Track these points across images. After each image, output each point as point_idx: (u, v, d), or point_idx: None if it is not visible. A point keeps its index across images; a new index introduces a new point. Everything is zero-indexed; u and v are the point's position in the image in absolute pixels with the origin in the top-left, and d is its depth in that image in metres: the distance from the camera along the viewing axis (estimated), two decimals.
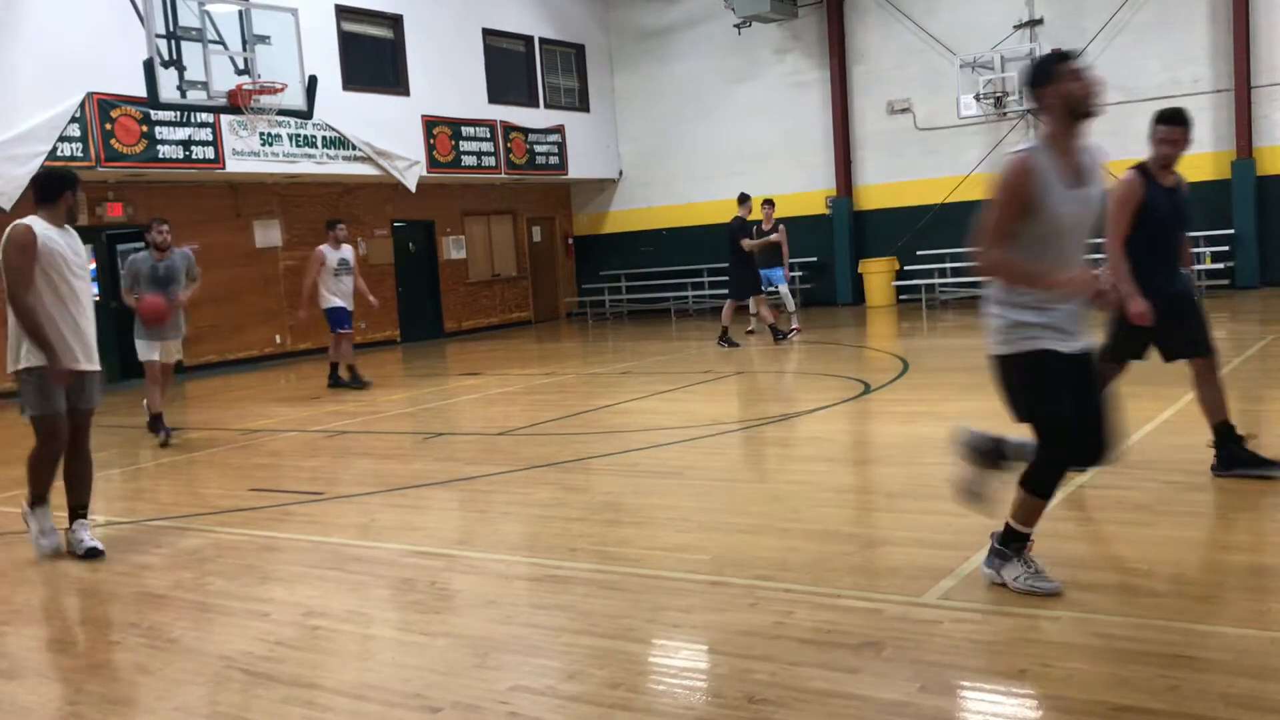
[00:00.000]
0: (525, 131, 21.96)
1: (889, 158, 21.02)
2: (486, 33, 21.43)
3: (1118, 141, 18.47)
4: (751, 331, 16.60)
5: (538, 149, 22.32)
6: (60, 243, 5.83)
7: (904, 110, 20.70)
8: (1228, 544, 5.00)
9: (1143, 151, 5.89)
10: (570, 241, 25.28)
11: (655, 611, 4.43)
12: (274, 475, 8.26)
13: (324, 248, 13.16)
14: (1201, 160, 17.90)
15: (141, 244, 10.47)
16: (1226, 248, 17.85)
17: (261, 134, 16.58)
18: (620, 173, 24.41)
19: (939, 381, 10.84)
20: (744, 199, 15.24)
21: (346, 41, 18.61)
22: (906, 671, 3.60)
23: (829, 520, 5.79)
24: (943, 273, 20.09)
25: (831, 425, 8.80)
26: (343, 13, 18.53)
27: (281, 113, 14.73)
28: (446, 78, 20.39)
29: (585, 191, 24.94)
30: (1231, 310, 15.28)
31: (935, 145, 20.40)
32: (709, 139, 22.73)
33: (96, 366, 6.06)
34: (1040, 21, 19.18)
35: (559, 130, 22.76)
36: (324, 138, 17.72)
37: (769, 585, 4.61)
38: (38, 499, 6.02)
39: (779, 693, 3.51)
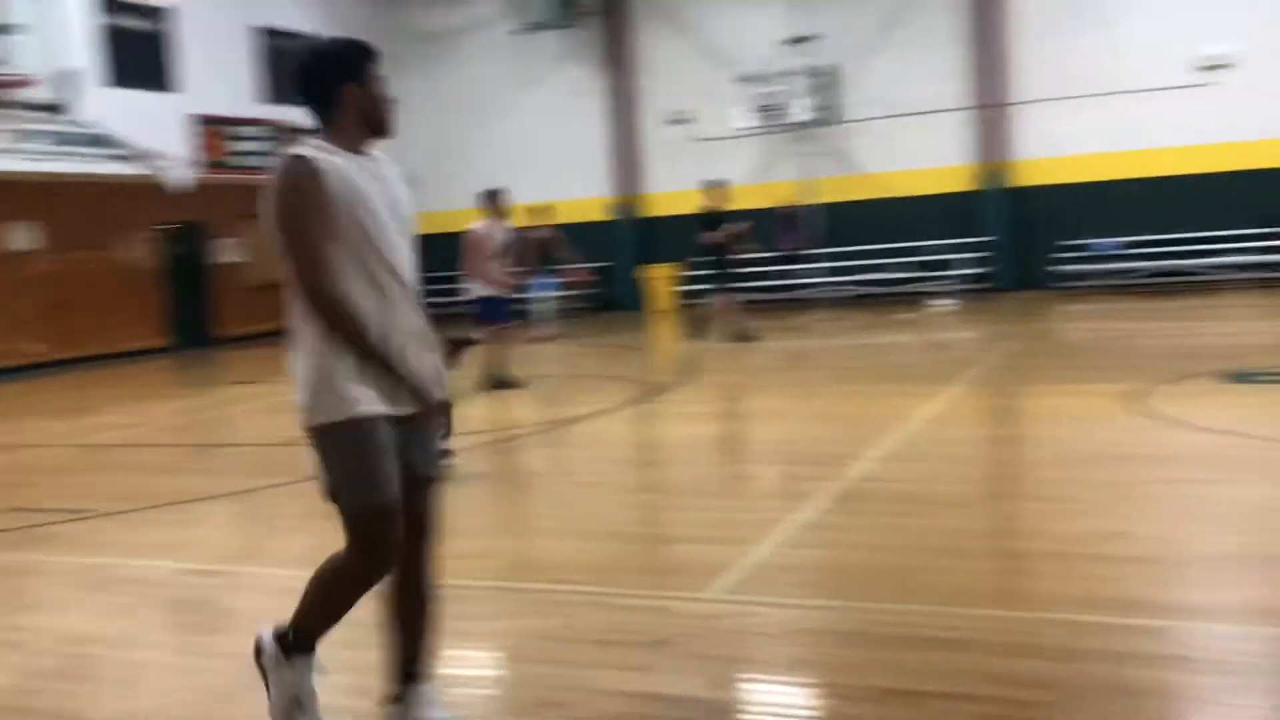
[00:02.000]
0: (299, 132, 21.32)
1: (672, 166, 21.48)
2: (261, 30, 20.69)
3: (886, 155, 19.64)
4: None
5: None
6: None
7: (683, 121, 21.19)
8: (989, 531, 5.35)
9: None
10: None
11: (446, 621, 4.39)
12: (32, 493, 7.73)
13: (484, 223, 11.22)
14: (959, 173, 19.10)
15: None
16: (983, 254, 19.07)
17: (15, 130, 15.46)
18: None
19: (717, 383, 11.16)
20: (712, 185, 14.13)
21: (111, 35, 17.58)
22: (695, 666, 3.70)
23: (617, 521, 5.87)
24: None
25: (615, 427, 8.92)
26: (107, 5, 17.51)
27: (33, 107, 13.78)
28: (218, 75, 19.56)
29: None
30: (988, 312, 16.35)
31: (714, 156, 20.99)
32: (492, 144, 22.65)
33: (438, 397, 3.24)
34: (810, 38, 20.00)
35: None
36: (85, 135, 16.68)
37: (561, 588, 4.64)
38: (305, 641, 3.34)
39: (571, 695, 3.54)
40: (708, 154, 20.60)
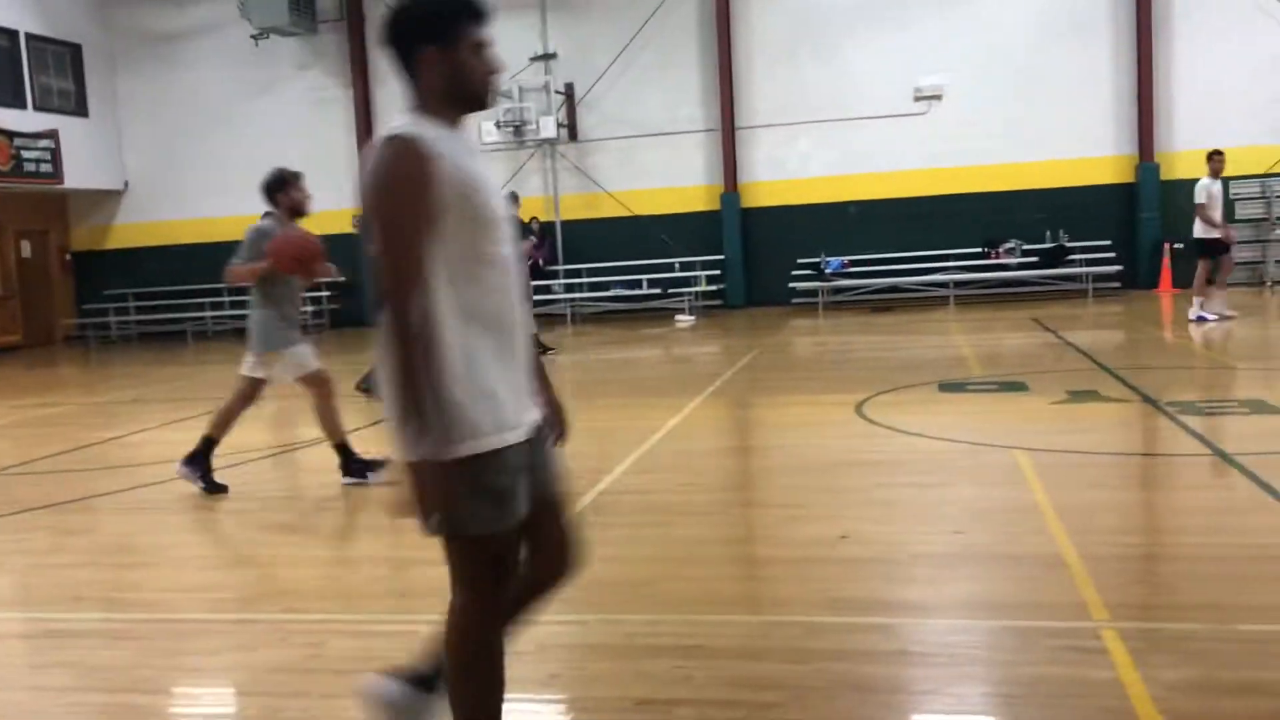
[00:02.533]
0: (11, 135, 19.68)
1: None
2: None
3: (624, 173, 20.07)
4: None
5: (26, 154, 20.07)
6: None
7: None
8: (730, 538, 5.53)
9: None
10: (69, 257, 22.97)
11: (173, 657, 4.13)
12: None
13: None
14: (695, 193, 19.75)
15: None
16: (718, 272, 19.77)
17: None
18: (126, 184, 22.56)
19: None
20: (514, 197, 14.02)
21: None
22: (442, 690, 3.62)
23: (362, 545, 5.70)
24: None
25: (363, 448, 8.66)
26: None
27: None
28: None
29: (85, 203, 22.77)
30: (724, 328, 16.96)
31: None
32: (226, 152, 21.62)
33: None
34: (554, 55, 20.21)
35: (52, 135, 20.61)
36: None
37: (301, 618, 4.46)
38: None
39: None
40: None
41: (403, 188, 2.49)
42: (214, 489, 6.79)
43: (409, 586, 4.93)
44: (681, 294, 19.28)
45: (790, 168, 19.47)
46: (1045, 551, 4.76)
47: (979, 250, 18.80)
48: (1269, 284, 17.65)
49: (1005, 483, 6.09)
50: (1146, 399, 8.41)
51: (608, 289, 20.02)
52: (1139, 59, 18.13)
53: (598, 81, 19.93)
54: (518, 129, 19.79)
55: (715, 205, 19.81)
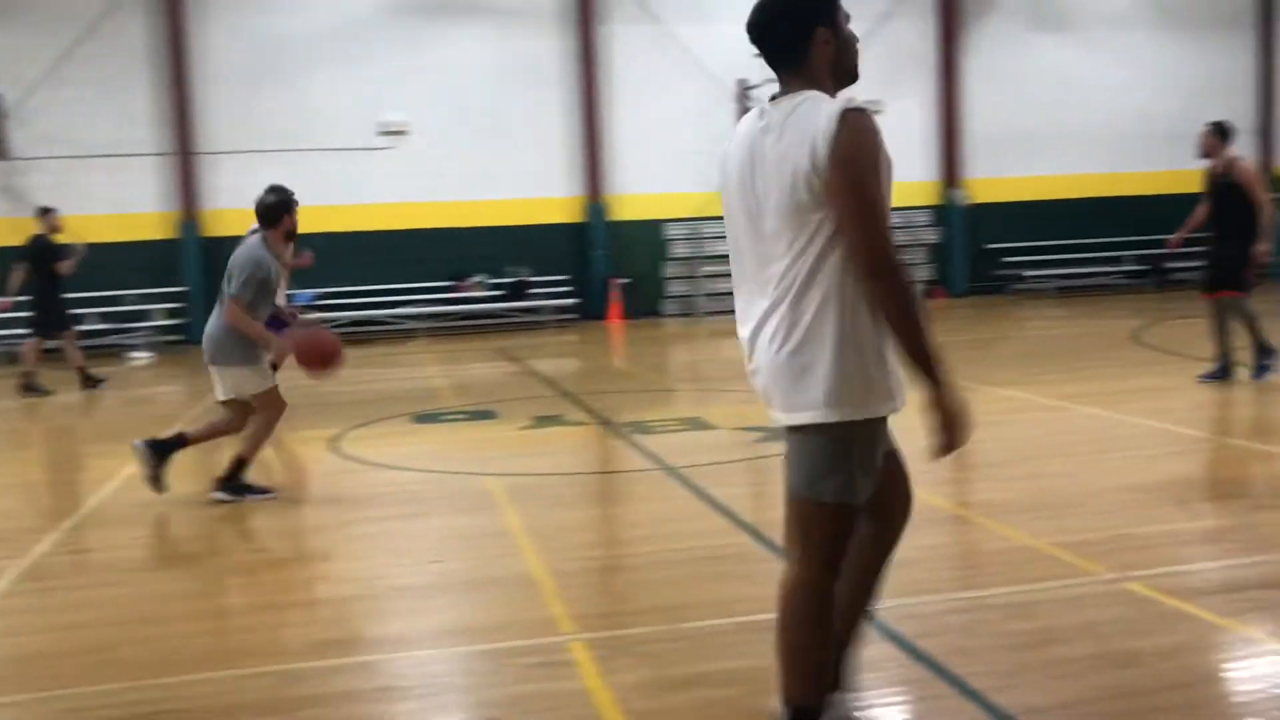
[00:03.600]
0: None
1: None
2: None
3: (64, 196, 18.18)
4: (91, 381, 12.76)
5: None
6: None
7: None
8: (193, 592, 5.17)
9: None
10: None
11: None
12: None
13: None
14: (148, 220, 18.39)
15: None
16: (181, 304, 18.53)
17: None
18: None
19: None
20: (46, 211, 12.44)
21: None
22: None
23: None
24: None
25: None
26: None
27: None
28: None
29: None
30: (186, 365, 15.93)
31: None
32: None
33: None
34: None
35: None
36: None
37: None
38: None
39: None
40: None
41: (873, 154, 2.62)
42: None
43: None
44: (136, 329, 17.82)
45: (254, 197, 18.73)
46: (518, 572, 4.96)
47: (447, 284, 19.30)
48: (700, 314, 19.80)
49: (479, 509, 6.28)
50: (604, 421, 9.09)
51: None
52: (587, 107, 19.66)
53: (30, 95, 17.94)
54: None
55: (173, 234, 18.57)
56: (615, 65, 19.77)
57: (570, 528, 5.91)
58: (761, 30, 2.82)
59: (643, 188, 20.07)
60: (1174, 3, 21.71)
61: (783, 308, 2.72)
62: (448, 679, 3.89)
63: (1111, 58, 21.37)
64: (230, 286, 6.47)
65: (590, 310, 19.67)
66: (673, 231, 20.19)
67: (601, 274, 19.87)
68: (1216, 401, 8.87)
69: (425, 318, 18.92)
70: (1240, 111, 22.03)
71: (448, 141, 19.01)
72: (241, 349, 6.50)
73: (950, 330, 15.41)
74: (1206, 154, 9.06)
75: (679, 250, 20.25)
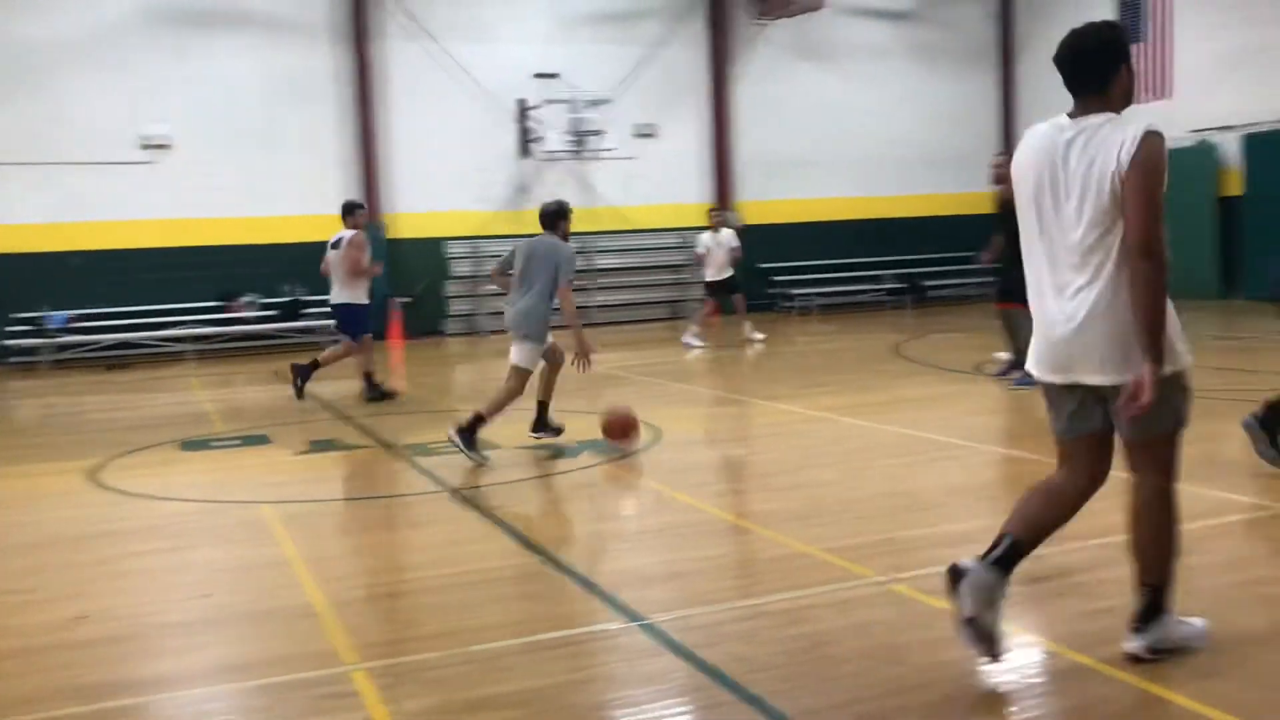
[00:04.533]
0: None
1: None
2: None
3: None
4: None
5: None
6: None
7: None
8: None
9: None
10: None
11: None
12: None
13: None
14: None
15: None
16: None
17: None
18: None
19: None
20: None
21: None
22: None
23: None
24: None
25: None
26: None
27: None
28: None
29: None
30: None
31: None
32: None
33: None
34: None
35: None
36: None
37: None
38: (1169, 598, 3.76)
39: None
40: None
41: (1162, 166, 3.40)
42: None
43: None
44: None
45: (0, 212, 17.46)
46: (296, 603, 4.80)
47: (216, 304, 18.49)
48: (483, 333, 19.69)
49: (253, 539, 6.05)
50: (384, 444, 8.92)
51: None
52: (362, 123, 19.26)
53: None
54: None
55: None
56: (392, 82, 19.48)
57: (350, 555, 5.77)
58: (1076, 58, 3.59)
59: (423, 206, 19.83)
60: (926, 38, 23.15)
61: (1099, 283, 3.51)
62: (223, 717, 3.73)
63: (871, 88, 22.58)
64: (561, 275, 7.94)
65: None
66: (454, 250, 20.03)
67: (381, 293, 19.48)
68: (972, 410, 9.49)
69: (193, 339, 18.04)
70: (985, 140, 23.72)
71: (216, 156, 18.23)
72: (540, 328, 7.97)
73: (726, 347, 15.90)
74: (998, 181, 9.71)
75: (461, 269, 20.11)
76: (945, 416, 8.96)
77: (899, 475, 7.01)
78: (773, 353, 15.48)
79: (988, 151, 23.71)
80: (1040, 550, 3.86)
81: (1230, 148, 19.26)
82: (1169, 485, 3.67)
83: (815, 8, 20.67)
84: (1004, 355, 10.23)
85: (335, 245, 11.46)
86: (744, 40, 21.86)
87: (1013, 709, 3.51)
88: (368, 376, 11.51)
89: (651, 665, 3.94)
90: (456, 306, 20.26)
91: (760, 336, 16.19)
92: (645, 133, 20.54)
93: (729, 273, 16.39)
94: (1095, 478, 3.77)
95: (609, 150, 20.08)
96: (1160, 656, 3.67)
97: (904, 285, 22.05)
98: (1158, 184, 3.40)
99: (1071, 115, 3.60)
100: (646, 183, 20.82)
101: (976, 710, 3.53)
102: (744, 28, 21.75)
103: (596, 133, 19.92)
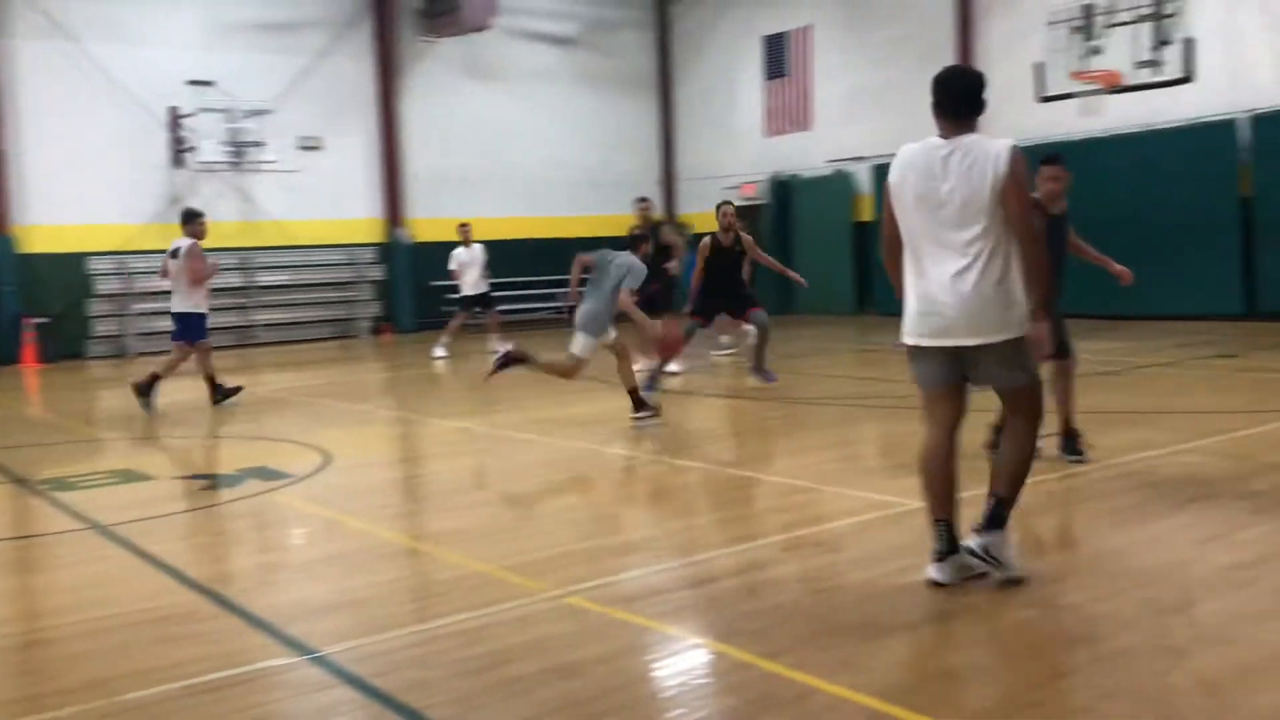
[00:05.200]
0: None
1: None
2: None
3: None
4: None
5: None
6: None
7: None
8: None
9: None
10: None
11: None
12: None
13: None
14: None
15: None
16: None
17: None
18: None
19: None
20: None
21: None
22: None
23: None
24: None
25: None
26: None
27: None
28: None
29: None
30: None
31: None
32: None
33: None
34: None
35: None
36: None
37: None
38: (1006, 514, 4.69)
39: None
40: None
41: (1026, 175, 4.42)
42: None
43: None
44: None
45: None
46: None
47: None
48: (132, 355, 18.31)
49: None
50: (16, 479, 8.09)
51: None
52: None
53: None
54: None
55: None
56: (23, 84, 17.82)
57: None
58: (957, 92, 4.52)
59: (61, 218, 18.24)
60: (589, 63, 23.85)
61: (978, 266, 4.37)
62: None
63: (539, 110, 22.99)
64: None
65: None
66: (98, 266, 18.54)
67: (11, 312, 17.71)
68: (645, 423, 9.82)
69: None
70: (648, 164, 24.75)
71: None
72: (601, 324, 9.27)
73: (399, 367, 15.64)
74: (727, 226, 11.20)
75: (106, 286, 18.64)
76: (621, 430, 9.22)
77: (576, 489, 7.13)
78: (451, 371, 15.37)
79: (651, 174, 24.79)
80: (704, 554, 4.03)
81: (863, 177, 21.07)
82: (1037, 423, 4.64)
83: (483, 28, 20.80)
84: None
85: (174, 254, 11.42)
86: (413, 55, 21.67)
87: (680, 711, 3.64)
88: (210, 380, 11.55)
89: (323, 699, 3.79)
90: (102, 327, 18.76)
91: (443, 354, 16.15)
92: (310, 145, 19.90)
93: (484, 287, 16.57)
94: (958, 414, 4.66)
95: (270, 162, 19.32)
96: (990, 561, 4.52)
97: (575, 304, 22.49)
98: (1027, 185, 4.40)
99: (944, 136, 4.49)
100: (312, 197, 20.17)
101: (649, 717, 3.63)
102: (412, 43, 21.56)
103: (256, 144, 19.12)
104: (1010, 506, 4.58)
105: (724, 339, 14.02)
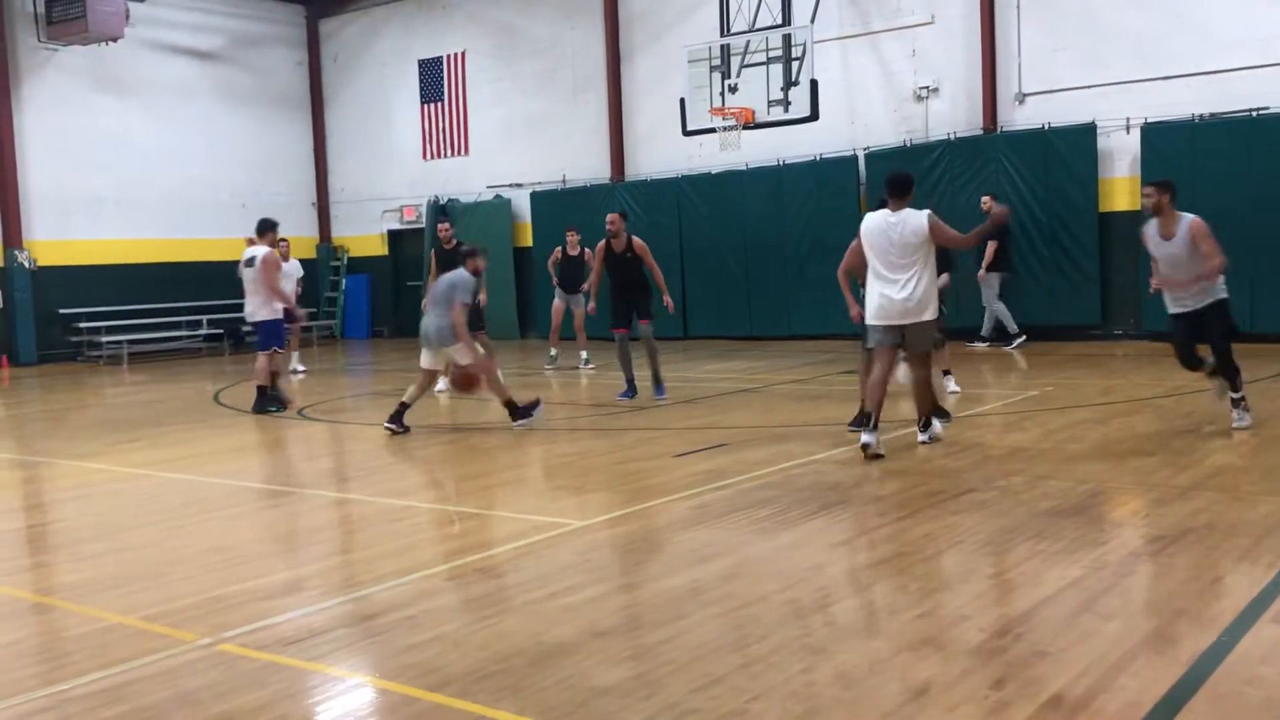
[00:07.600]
0: None
1: None
2: None
3: None
4: None
5: None
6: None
7: None
8: None
9: None
10: None
11: None
12: None
13: None
14: None
15: None
16: None
17: None
18: None
19: None
20: None
21: None
22: None
23: None
24: None
25: None
26: None
27: None
28: None
29: None
30: None
31: None
32: None
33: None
34: None
35: None
36: None
37: None
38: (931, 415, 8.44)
39: None
40: None
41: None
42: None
43: None
44: None
45: None
46: None
47: None
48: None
49: None
50: None
51: None
52: None
53: None
54: None
55: None
56: None
57: None
58: (899, 186, 7.85)
59: None
60: (234, 78, 22.77)
61: (913, 283, 7.75)
62: None
63: (179, 126, 21.70)
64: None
65: None
66: None
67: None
68: (298, 456, 9.42)
69: None
70: (302, 186, 23.96)
71: None
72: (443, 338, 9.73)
73: (19, 403, 14.24)
74: (614, 233, 11.25)
75: None
76: (269, 464, 8.81)
77: (222, 529, 6.74)
78: (79, 405, 14.12)
79: (305, 195, 24.00)
80: (364, 589, 3.91)
81: (523, 203, 21.37)
82: (929, 373, 8.28)
83: (113, 37, 19.37)
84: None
85: (250, 263, 11.69)
86: (32, 64, 19.86)
87: None
88: (270, 384, 11.90)
89: None
90: None
91: (303, 369, 15.92)
92: None
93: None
94: (893, 361, 8.09)
95: None
96: (931, 443, 8.13)
97: (221, 331, 21.36)
98: (944, 226, 7.85)
99: (891, 209, 7.85)
100: None
101: None
102: (31, 50, 19.75)
103: None
104: (923, 417, 8.23)
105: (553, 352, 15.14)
